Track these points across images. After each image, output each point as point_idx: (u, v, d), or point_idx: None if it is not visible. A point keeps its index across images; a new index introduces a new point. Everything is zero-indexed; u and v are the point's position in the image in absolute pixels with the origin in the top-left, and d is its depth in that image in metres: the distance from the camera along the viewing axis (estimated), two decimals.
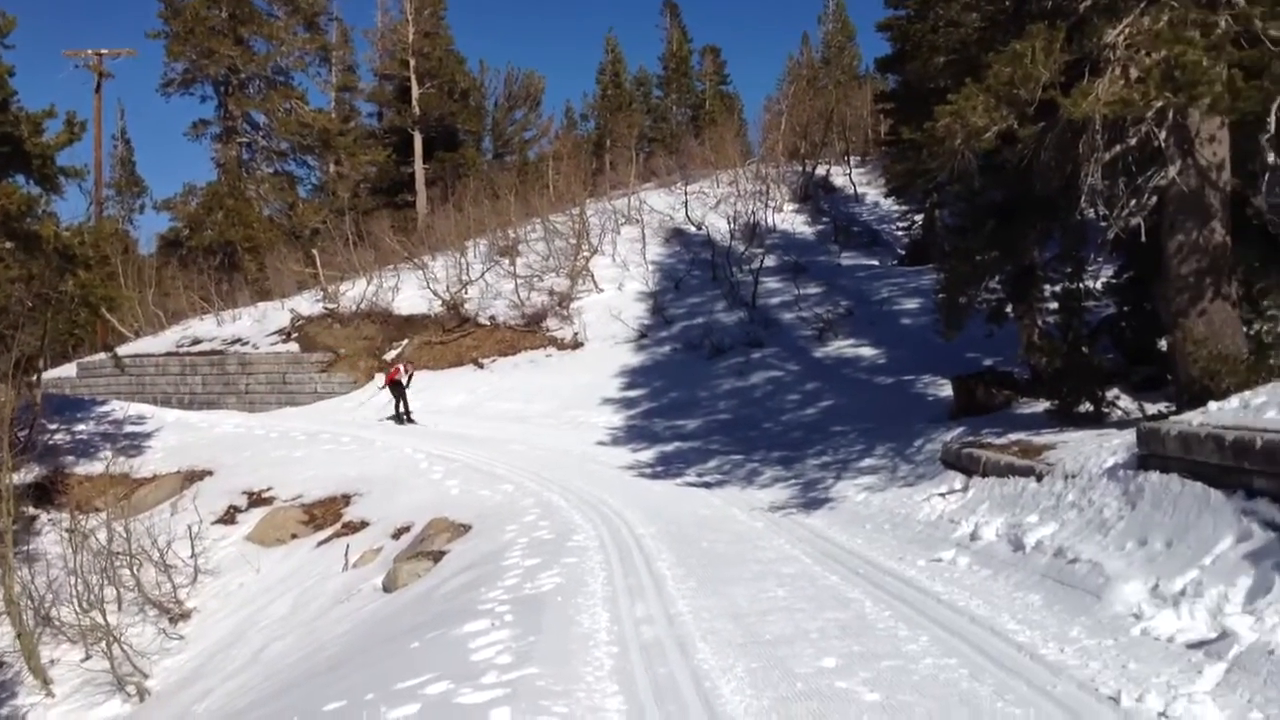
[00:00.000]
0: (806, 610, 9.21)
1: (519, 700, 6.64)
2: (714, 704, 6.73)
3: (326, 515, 19.68)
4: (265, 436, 27.21)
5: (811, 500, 16.49)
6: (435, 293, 37.95)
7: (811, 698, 6.74)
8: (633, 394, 29.79)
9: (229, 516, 20.99)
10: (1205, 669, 6.46)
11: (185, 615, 16.91)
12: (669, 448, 23.67)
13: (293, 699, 8.48)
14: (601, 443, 25.02)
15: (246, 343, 38.20)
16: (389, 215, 49.48)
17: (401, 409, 29.22)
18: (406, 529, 17.14)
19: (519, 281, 38.03)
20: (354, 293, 39.43)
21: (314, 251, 43.99)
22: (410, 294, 39.04)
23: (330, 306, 38.92)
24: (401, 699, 6.87)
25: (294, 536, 19.23)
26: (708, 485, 19.17)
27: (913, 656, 7.54)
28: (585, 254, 39.45)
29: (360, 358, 35.92)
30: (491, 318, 37.28)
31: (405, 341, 36.57)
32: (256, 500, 21.46)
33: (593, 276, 38.59)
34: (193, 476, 23.34)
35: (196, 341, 39.53)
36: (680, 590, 10.40)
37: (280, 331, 38.31)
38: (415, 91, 54.57)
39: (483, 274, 39.21)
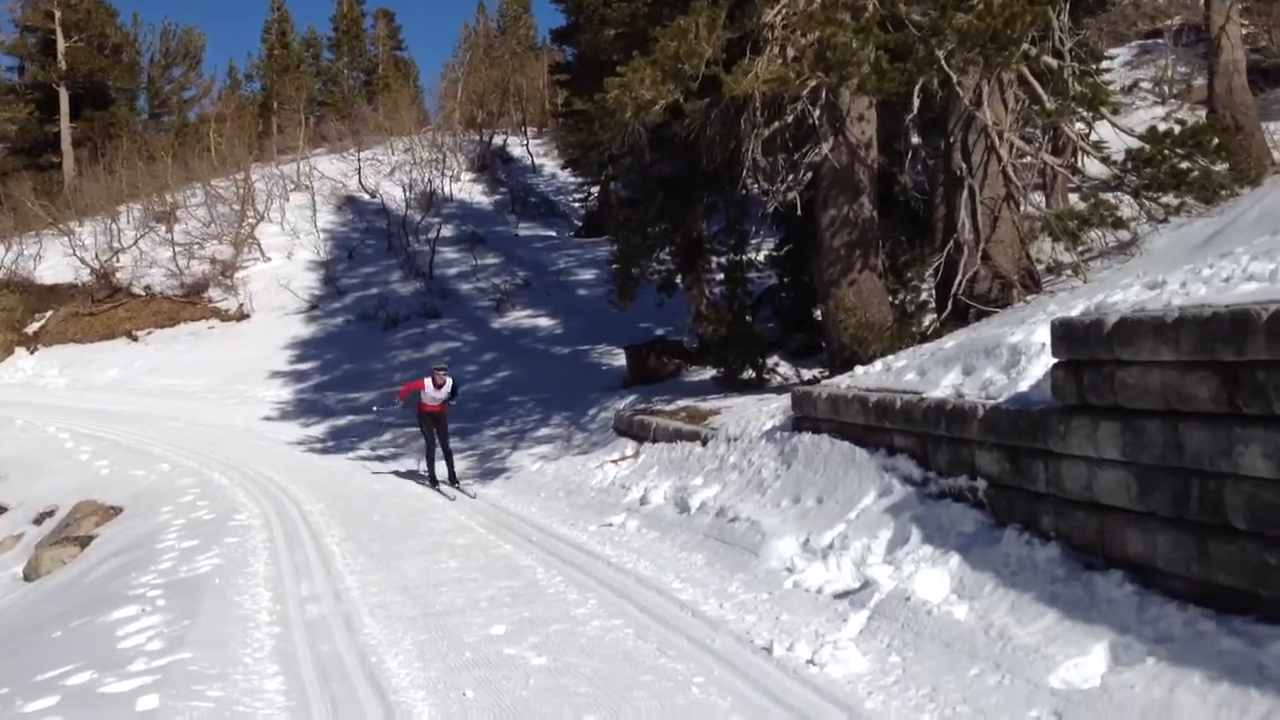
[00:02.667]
0: (478, 580, 9.20)
1: (169, 687, 6.35)
2: (379, 678, 6.62)
3: None
4: None
5: (488, 471, 16.48)
6: (83, 260, 35.35)
7: (479, 666, 6.74)
8: (303, 367, 28.80)
9: None
10: (850, 617, 6.86)
11: None
12: (342, 421, 23.03)
13: None
14: (269, 418, 24.10)
15: None
16: (31, 177, 45.43)
17: (433, 464, 15.62)
18: (50, 513, 16.21)
19: (178, 249, 36.02)
20: None
21: None
22: (55, 262, 36.26)
23: None
24: (40, 691, 6.42)
25: None
26: (382, 459, 18.83)
27: (581, 619, 7.66)
28: (251, 221, 37.79)
29: None
30: (147, 288, 35.21)
31: (49, 313, 33.86)
32: None
33: (259, 245, 37.04)
34: None
35: None
36: (349, 566, 10.18)
37: None
38: (61, 44, 50.21)
39: (136, 241, 36.97)
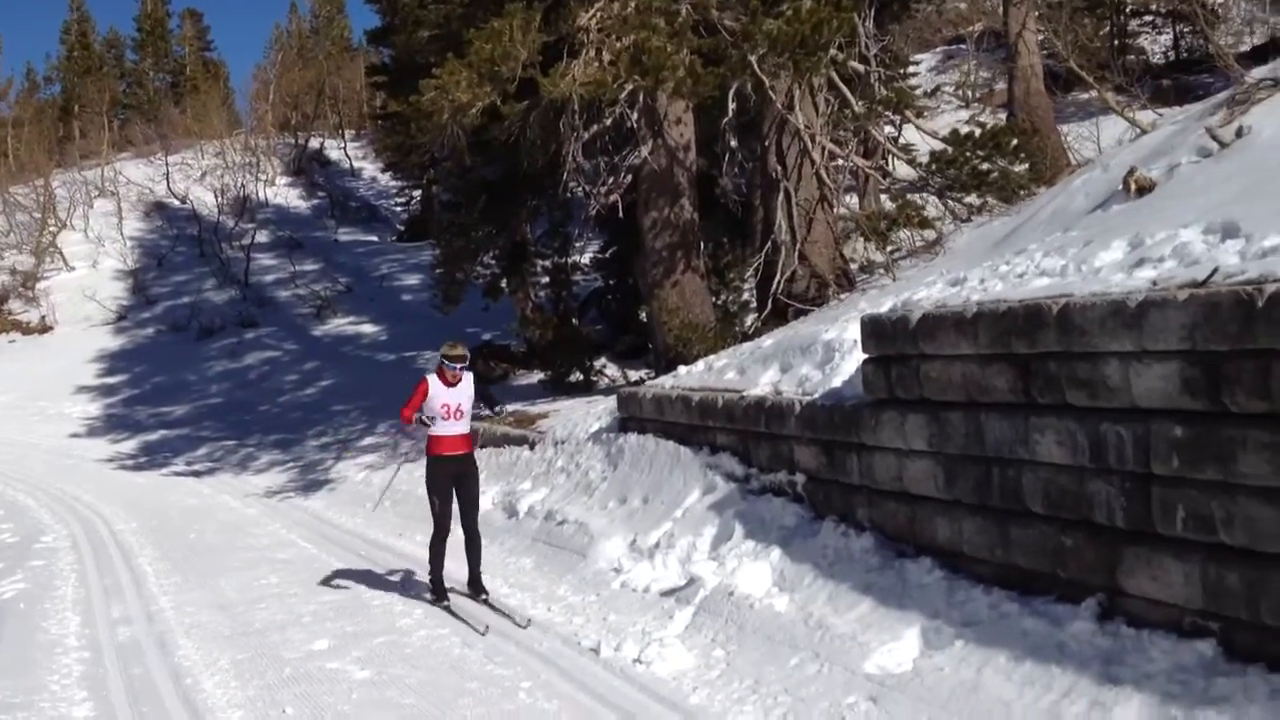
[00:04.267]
0: (300, 595, 8.97)
1: None
2: (194, 700, 6.39)
3: None
4: None
5: (311, 483, 16.03)
6: None
7: (300, 682, 6.57)
8: (112, 380, 27.61)
9: None
10: (676, 614, 6.95)
11: None
12: (154, 436, 22.15)
13: None
14: (76, 435, 23.06)
15: None
16: None
17: (441, 556, 8.32)
18: None
19: None
20: None
21: None
22: None
23: None
24: None
25: None
26: (197, 474, 18.15)
27: (407, 630, 7.55)
28: (52, 229, 36.23)
29: None
30: None
31: None
32: None
33: (62, 254, 35.54)
34: None
35: None
36: (163, 586, 9.78)
37: None
38: None
39: None
